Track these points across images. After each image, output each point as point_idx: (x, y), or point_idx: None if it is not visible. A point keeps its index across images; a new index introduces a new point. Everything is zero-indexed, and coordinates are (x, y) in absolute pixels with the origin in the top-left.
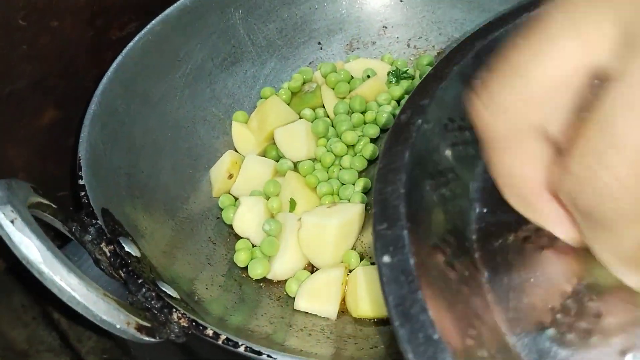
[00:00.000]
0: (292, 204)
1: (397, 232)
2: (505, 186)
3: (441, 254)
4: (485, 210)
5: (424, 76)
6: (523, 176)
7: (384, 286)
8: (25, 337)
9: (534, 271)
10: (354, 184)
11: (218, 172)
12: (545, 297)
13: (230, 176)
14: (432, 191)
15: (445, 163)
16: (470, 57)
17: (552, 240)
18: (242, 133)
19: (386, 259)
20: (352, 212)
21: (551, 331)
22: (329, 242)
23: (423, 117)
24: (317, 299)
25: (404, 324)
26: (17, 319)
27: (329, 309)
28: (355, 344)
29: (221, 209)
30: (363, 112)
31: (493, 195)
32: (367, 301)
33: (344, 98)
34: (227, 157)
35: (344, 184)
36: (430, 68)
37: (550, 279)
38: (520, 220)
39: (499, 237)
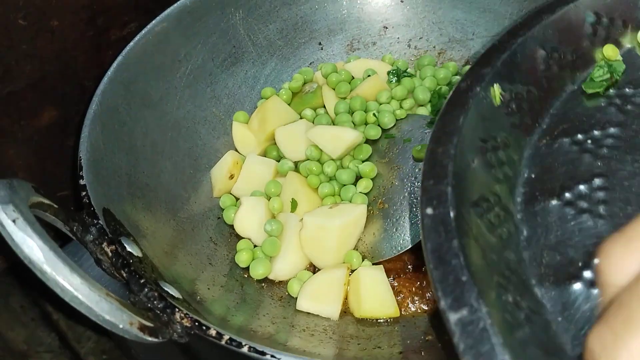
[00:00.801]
0: (294, 205)
1: (442, 188)
2: None
3: (482, 211)
4: (533, 176)
5: (487, 46)
6: None
7: (424, 234)
8: (25, 338)
9: (570, 232)
10: (354, 185)
11: (219, 172)
12: (576, 256)
13: (232, 176)
14: (482, 155)
15: (499, 130)
16: (536, 31)
17: (591, 205)
18: (243, 133)
19: (429, 210)
20: (354, 213)
21: (577, 286)
22: (331, 242)
23: (482, 86)
24: (319, 299)
25: (437, 267)
26: (16, 319)
27: (331, 309)
28: (358, 344)
29: (222, 209)
30: (365, 111)
31: (543, 163)
32: (369, 301)
33: (344, 98)
34: (229, 157)
35: (344, 185)
36: (494, 39)
37: (584, 239)
38: (565, 187)
39: (542, 200)
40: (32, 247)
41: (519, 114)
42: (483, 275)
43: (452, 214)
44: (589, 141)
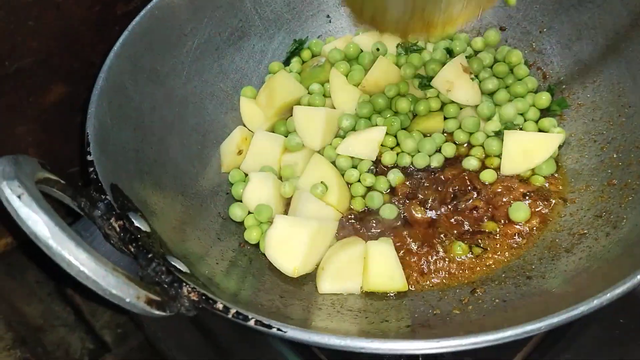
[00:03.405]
0: (323, 189)
1: None
2: None
3: None
4: None
5: None
6: None
7: None
8: (40, 313)
9: None
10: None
11: (228, 147)
12: None
13: (240, 152)
14: None
15: None
16: None
17: None
18: (251, 109)
19: None
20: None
21: None
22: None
23: None
24: (342, 278)
25: None
26: (32, 294)
27: (354, 285)
28: (366, 317)
29: (231, 184)
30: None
31: None
32: (378, 275)
33: (357, 85)
34: (237, 133)
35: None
36: None
37: None
38: None
39: None
40: (37, 222)
41: None
42: None
43: None
44: None
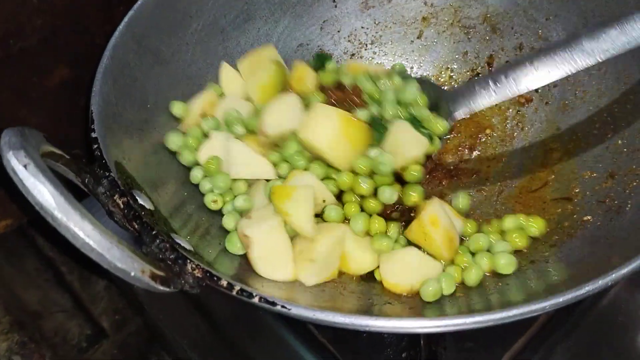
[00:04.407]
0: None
1: None
2: None
3: None
4: None
5: None
6: None
7: None
8: (39, 299)
9: None
10: None
11: (192, 106)
12: None
13: (204, 115)
14: None
15: None
16: None
17: None
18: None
19: None
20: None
21: None
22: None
23: None
24: (326, 268)
25: None
26: (30, 281)
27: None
28: (369, 299)
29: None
30: None
31: None
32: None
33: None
34: (207, 95)
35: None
36: None
37: None
38: None
39: None
40: (43, 193)
41: None
42: None
43: None
44: None
